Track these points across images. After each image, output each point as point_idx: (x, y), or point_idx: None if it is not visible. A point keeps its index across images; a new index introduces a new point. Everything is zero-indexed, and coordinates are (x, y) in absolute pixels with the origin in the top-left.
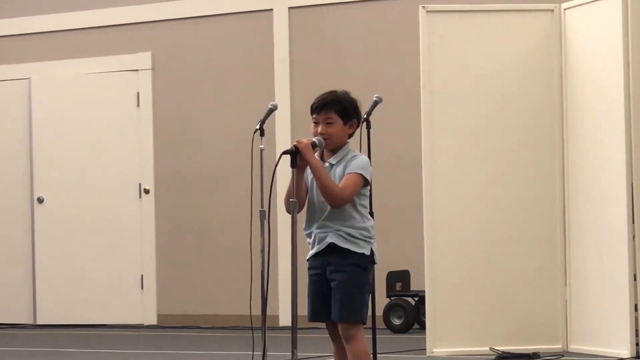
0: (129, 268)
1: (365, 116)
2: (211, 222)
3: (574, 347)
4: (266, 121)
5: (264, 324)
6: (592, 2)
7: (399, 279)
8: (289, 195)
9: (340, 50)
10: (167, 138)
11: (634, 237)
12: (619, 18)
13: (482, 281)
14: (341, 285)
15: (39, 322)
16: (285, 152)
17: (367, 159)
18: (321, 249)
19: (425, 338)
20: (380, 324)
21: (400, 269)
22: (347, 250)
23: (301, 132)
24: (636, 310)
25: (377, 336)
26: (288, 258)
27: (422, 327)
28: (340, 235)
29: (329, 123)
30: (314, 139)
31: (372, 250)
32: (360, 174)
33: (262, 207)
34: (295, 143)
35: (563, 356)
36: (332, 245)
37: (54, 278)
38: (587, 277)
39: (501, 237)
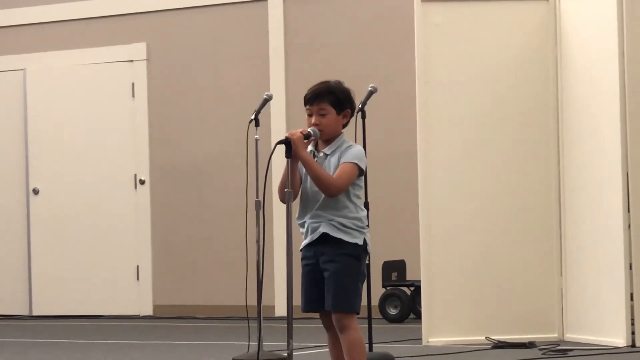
0: (124, 259)
1: (360, 106)
2: (207, 213)
3: (569, 336)
4: (261, 111)
5: (259, 314)
6: None
7: (395, 269)
8: (282, 185)
9: (335, 40)
10: (163, 129)
11: (629, 226)
12: (614, 7)
13: (478, 271)
14: (334, 275)
15: (35, 313)
16: (279, 142)
17: (362, 149)
18: (314, 239)
19: (421, 328)
20: (376, 313)
21: (396, 259)
22: (340, 240)
23: (296, 122)
24: (632, 299)
25: (372, 326)
26: (283, 248)
27: (418, 316)
28: (333, 225)
29: (322, 114)
30: (308, 129)
31: (365, 240)
32: (355, 164)
33: (257, 197)
34: (287, 135)
35: (559, 345)
36: (325, 235)
37: (50, 269)
38: (582, 266)
39: (497, 227)
